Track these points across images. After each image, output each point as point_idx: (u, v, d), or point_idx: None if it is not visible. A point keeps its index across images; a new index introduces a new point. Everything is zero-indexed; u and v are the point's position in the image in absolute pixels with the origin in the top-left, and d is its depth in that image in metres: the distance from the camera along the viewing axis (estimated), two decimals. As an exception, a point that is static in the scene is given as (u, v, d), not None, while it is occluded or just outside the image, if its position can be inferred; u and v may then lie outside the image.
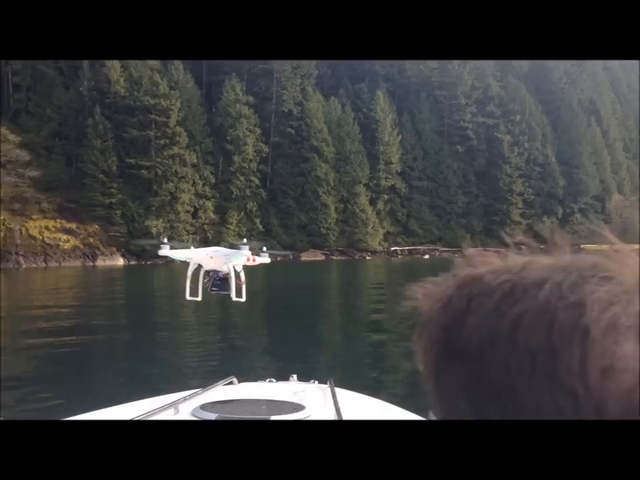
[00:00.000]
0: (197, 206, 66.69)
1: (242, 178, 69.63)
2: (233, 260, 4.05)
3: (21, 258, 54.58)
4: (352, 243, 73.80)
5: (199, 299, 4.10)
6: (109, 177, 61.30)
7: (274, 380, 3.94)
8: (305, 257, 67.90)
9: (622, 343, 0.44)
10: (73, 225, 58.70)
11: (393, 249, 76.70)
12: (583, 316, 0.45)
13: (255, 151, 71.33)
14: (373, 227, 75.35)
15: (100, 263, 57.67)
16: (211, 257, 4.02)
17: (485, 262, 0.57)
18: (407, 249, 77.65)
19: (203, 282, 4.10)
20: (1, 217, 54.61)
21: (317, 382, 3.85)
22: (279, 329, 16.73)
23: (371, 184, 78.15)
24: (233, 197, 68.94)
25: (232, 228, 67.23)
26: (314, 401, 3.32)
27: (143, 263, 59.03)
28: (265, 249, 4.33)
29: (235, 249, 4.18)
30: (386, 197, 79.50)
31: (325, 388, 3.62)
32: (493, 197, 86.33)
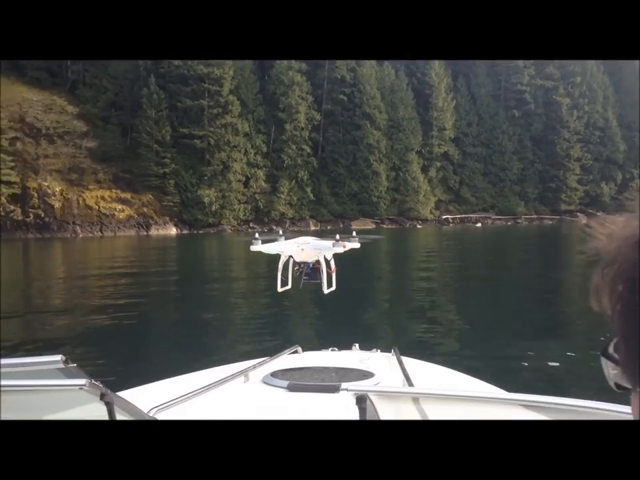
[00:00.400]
0: (249, 175, 67.13)
1: (293, 146, 69.63)
2: (324, 253, 4.04)
3: (77, 227, 56.44)
4: (403, 212, 73.27)
5: (289, 287, 4.16)
6: (163, 146, 62.26)
7: (336, 349, 4.04)
8: (355, 225, 67.78)
9: None
10: (128, 195, 60.14)
11: (444, 217, 75.82)
12: None
13: (307, 119, 71.09)
14: (424, 195, 74.51)
15: (153, 232, 59.04)
16: (302, 250, 4.01)
17: None
18: (459, 217, 76.62)
19: (293, 271, 4.11)
20: (59, 188, 56.45)
21: (379, 350, 3.93)
22: (330, 298, 16.82)
23: (423, 151, 77.08)
24: (285, 165, 69.10)
25: (283, 197, 67.56)
26: (381, 368, 3.36)
27: (195, 232, 60.13)
28: (354, 233, 4.22)
29: (327, 240, 4.13)
30: (438, 164, 78.34)
31: (390, 356, 3.69)
32: (549, 163, 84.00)
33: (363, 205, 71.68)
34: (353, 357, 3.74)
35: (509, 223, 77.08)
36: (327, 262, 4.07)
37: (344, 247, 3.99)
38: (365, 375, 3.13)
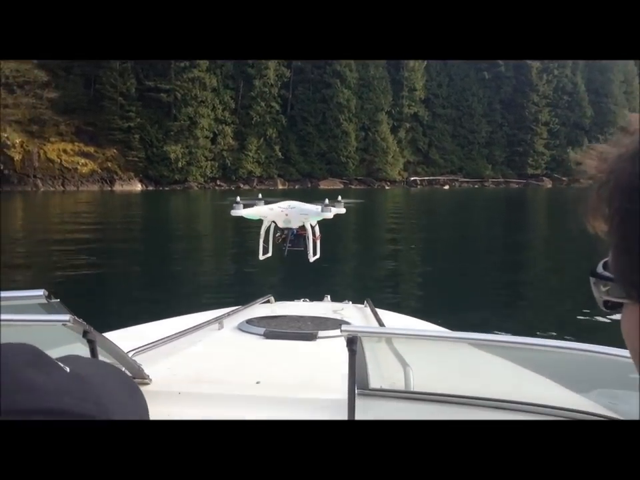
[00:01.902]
0: (216, 131, 66.00)
1: (262, 103, 68.55)
2: (310, 219, 3.79)
3: (39, 181, 54.80)
4: (371, 172, 73.06)
5: (270, 254, 3.93)
6: (128, 99, 60.67)
7: (307, 300, 4.00)
8: (324, 185, 67.53)
9: None
10: (91, 149, 58.50)
11: (412, 178, 75.91)
12: None
13: (276, 76, 69.90)
14: (393, 156, 74.35)
15: (117, 187, 57.76)
16: (287, 215, 3.75)
17: None
18: (427, 179, 76.82)
19: (274, 237, 3.84)
20: (19, 139, 54.67)
21: (350, 302, 3.91)
22: (295, 255, 16.66)
23: (393, 111, 76.66)
24: (253, 122, 68.07)
25: (251, 155, 66.74)
26: (356, 319, 3.36)
27: (161, 188, 59.14)
28: (339, 198, 3.93)
29: (312, 204, 3.86)
30: (408, 125, 78.07)
31: (362, 307, 3.72)
32: (517, 127, 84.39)
33: (331, 164, 71.24)
34: (326, 308, 3.70)
35: (476, 186, 77.60)
36: (312, 228, 3.84)
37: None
38: (341, 324, 3.09)
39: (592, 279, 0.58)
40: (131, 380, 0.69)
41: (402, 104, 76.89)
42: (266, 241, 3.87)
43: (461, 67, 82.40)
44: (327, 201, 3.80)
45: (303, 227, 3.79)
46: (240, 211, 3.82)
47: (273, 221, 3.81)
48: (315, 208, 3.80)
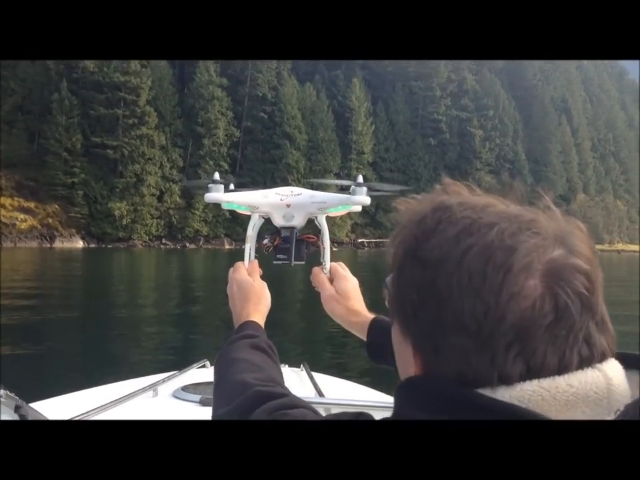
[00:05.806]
0: (163, 189, 65.39)
1: (211, 162, 68.46)
2: (332, 211, 2.03)
3: (-27, 237, 52.74)
4: (319, 234, 73.02)
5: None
6: (73, 155, 59.73)
7: None
8: (272, 245, 67.06)
9: (529, 278, 0.58)
10: (32, 204, 56.94)
11: (359, 240, 76.38)
12: (512, 256, 0.59)
13: (225, 135, 70.30)
14: (340, 218, 74.82)
15: (58, 244, 55.96)
16: (288, 205, 1.99)
17: (457, 192, 0.68)
18: (374, 241, 77.41)
19: (262, 244, 2.07)
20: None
21: (287, 365, 3.77)
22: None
23: (341, 173, 77.58)
24: (201, 181, 67.75)
25: (198, 213, 66.12)
26: (292, 383, 3.16)
27: (104, 246, 57.59)
28: (360, 179, 2.29)
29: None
30: (356, 187, 79.04)
31: (299, 371, 3.66)
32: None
33: (279, 224, 71.14)
34: None
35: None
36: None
37: None
38: None
39: None
40: None
41: (350, 166, 78.05)
42: (255, 247, 2.30)
43: (408, 132, 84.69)
44: (360, 178, 2.18)
45: (317, 230, 2.05)
46: (218, 196, 2.08)
47: (264, 216, 2.07)
48: (334, 196, 2.00)
